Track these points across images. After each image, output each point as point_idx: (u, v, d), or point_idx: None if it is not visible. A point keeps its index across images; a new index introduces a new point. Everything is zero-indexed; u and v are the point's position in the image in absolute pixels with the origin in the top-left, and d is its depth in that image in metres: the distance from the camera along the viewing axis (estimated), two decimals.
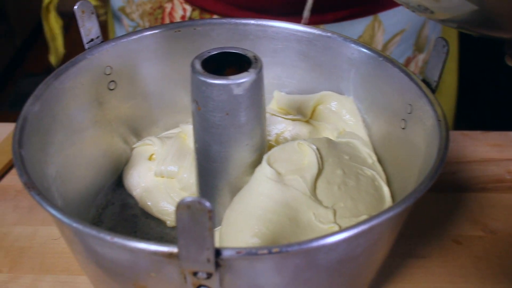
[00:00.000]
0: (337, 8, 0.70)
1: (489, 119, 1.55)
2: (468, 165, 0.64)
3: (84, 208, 0.50)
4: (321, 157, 0.47)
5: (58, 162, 0.45)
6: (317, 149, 0.47)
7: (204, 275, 0.32)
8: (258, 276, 0.34)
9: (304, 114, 0.55)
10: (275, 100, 0.57)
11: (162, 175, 0.53)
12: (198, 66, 0.42)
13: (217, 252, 0.31)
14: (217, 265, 0.32)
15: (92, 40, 0.49)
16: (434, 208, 0.58)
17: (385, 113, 0.51)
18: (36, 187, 0.37)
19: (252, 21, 0.53)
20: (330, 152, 0.48)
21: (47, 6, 0.78)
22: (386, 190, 0.48)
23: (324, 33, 0.52)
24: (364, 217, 0.44)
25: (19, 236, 0.55)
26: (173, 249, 0.31)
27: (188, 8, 0.73)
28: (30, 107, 0.43)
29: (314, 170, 0.45)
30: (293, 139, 0.54)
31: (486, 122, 1.51)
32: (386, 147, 0.51)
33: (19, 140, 0.40)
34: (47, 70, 0.47)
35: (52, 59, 0.81)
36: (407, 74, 0.47)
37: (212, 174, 0.46)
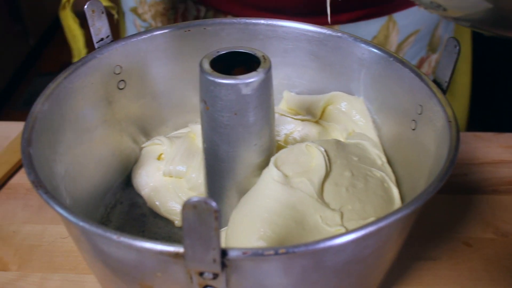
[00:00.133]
0: (353, 9, 0.70)
1: (504, 121, 1.53)
2: (480, 167, 0.63)
3: (92, 207, 0.51)
4: (329, 159, 0.47)
5: (67, 161, 0.45)
6: (325, 151, 0.47)
7: (210, 276, 0.32)
8: (264, 277, 0.34)
9: (314, 115, 0.55)
10: (285, 100, 0.57)
11: (170, 175, 0.53)
12: (206, 65, 0.42)
13: (223, 253, 0.31)
14: (223, 265, 0.32)
15: (102, 39, 0.49)
16: (445, 210, 0.57)
17: (395, 114, 0.50)
18: (43, 185, 0.37)
19: (262, 21, 0.53)
20: (338, 154, 0.48)
21: (64, 4, 0.78)
22: (395, 191, 0.47)
23: (334, 33, 0.52)
24: (372, 219, 0.44)
25: (28, 235, 0.55)
26: (179, 249, 0.31)
27: (203, 9, 0.72)
28: (40, 106, 0.43)
29: (322, 172, 0.45)
30: (302, 139, 0.53)
31: (501, 124, 1.50)
32: (396, 148, 0.51)
33: (28, 138, 0.40)
34: (61, 69, 0.47)
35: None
36: (418, 75, 0.46)
37: (220, 174, 0.46)
